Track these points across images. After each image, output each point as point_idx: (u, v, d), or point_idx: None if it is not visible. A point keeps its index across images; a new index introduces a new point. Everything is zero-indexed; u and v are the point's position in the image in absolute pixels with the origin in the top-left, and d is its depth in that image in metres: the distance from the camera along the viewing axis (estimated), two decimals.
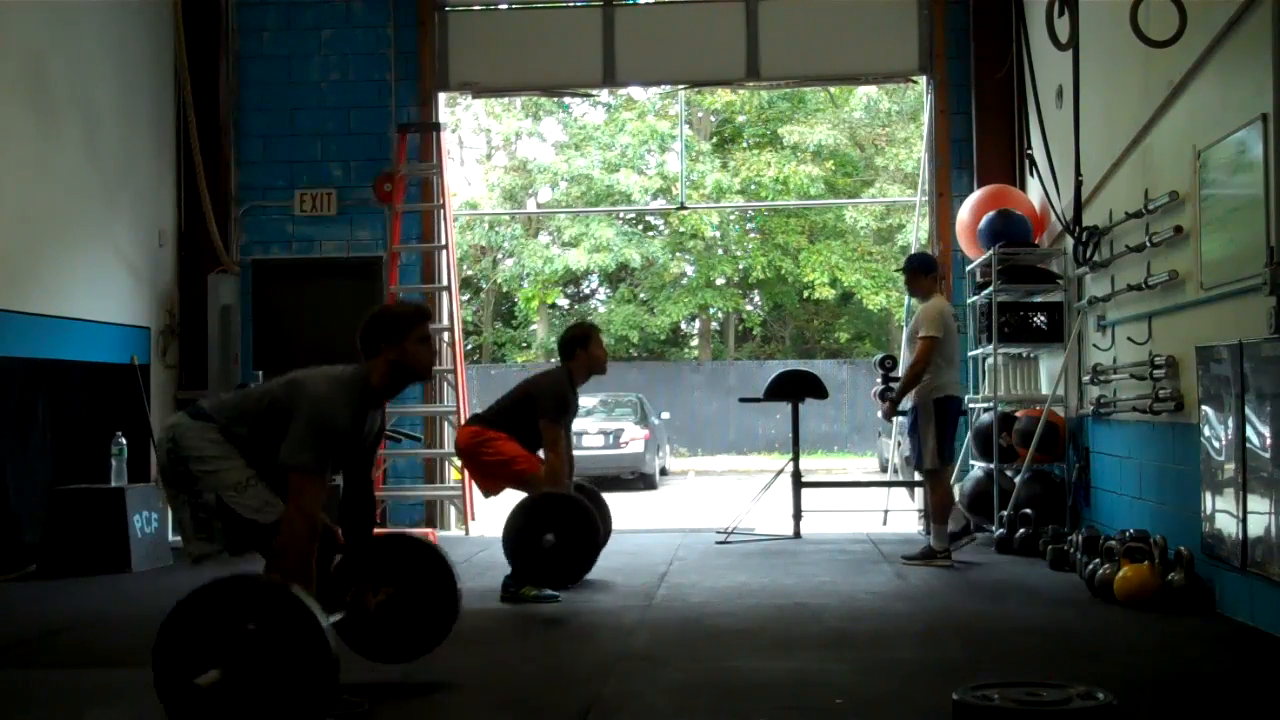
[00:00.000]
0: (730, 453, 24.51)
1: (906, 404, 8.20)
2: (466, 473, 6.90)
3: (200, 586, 3.55)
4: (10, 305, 7.52)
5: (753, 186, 23.79)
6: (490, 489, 6.70)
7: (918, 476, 8.05)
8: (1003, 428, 8.28)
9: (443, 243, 9.78)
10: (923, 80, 9.86)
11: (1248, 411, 5.05)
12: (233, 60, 9.86)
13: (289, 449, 3.77)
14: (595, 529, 6.21)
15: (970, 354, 9.14)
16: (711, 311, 27.34)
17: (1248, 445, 5.06)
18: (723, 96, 23.57)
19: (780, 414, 22.53)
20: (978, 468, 8.65)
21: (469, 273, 25.89)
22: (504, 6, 10.42)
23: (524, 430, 6.38)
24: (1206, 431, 5.57)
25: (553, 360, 27.18)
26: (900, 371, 8.37)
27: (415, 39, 9.83)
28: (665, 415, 21.02)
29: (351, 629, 4.19)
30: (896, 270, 8.28)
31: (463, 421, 9.52)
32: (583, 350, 6.54)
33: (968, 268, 9.19)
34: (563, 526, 6.05)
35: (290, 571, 3.70)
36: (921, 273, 7.65)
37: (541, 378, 6.73)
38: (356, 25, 9.87)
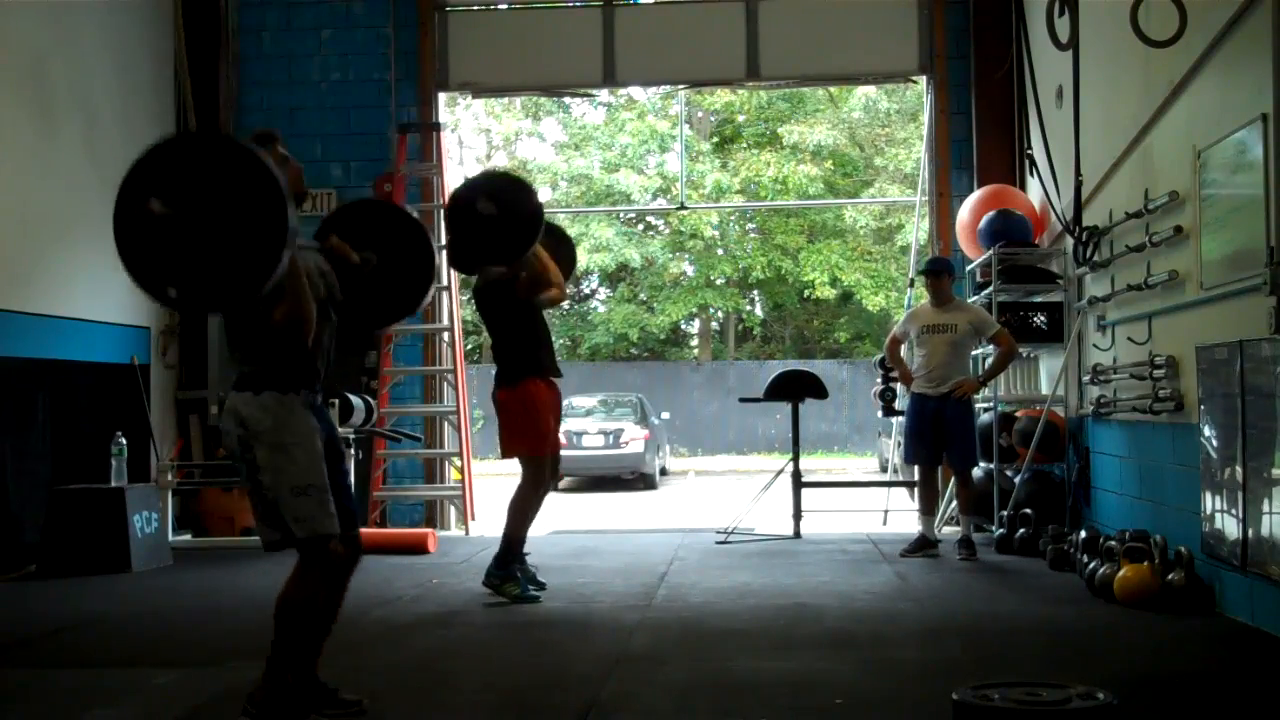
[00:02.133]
0: (730, 453, 24.51)
1: (903, 404, 8.23)
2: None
3: (165, 139, 3.63)
4: (10, 305, 7.52)
5: (752, 186, 23.80)
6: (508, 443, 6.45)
7: (907, 475, 8.04)
8: (1003, 428, 8.28)
9: (443, 243, 9.77)
10: (923, 80, 9.86)
11: (1248, 411, 5.05)
12: (233, 60, 9.86)
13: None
14: (532, 198, 5.99)
15: (971, 354, 9.13)
16: (711, 311, 27.35)
17: (1248, 445, 5.06)
18: (722, 96, 23.57)
19: (780, 414, 22.53)
20: (978, 468, 8.65)
21: None
22: (504, 6, 10.42)
23: (520, 337, 6.27)
24: (1206, 431, 5.57)
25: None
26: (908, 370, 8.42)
27: (415, 39, 9.83)
28: (665, 415, 21.03)
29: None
30: (919, 272, 8.30)
31: (464, 420, 9.58)
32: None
33: (968, 268, 9.19)
34: (500, 198, 5.85)
35: None
36: (949, 275, 7.90)
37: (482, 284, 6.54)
38: (356, 25, 9.86)
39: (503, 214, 5.79)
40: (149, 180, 3.38)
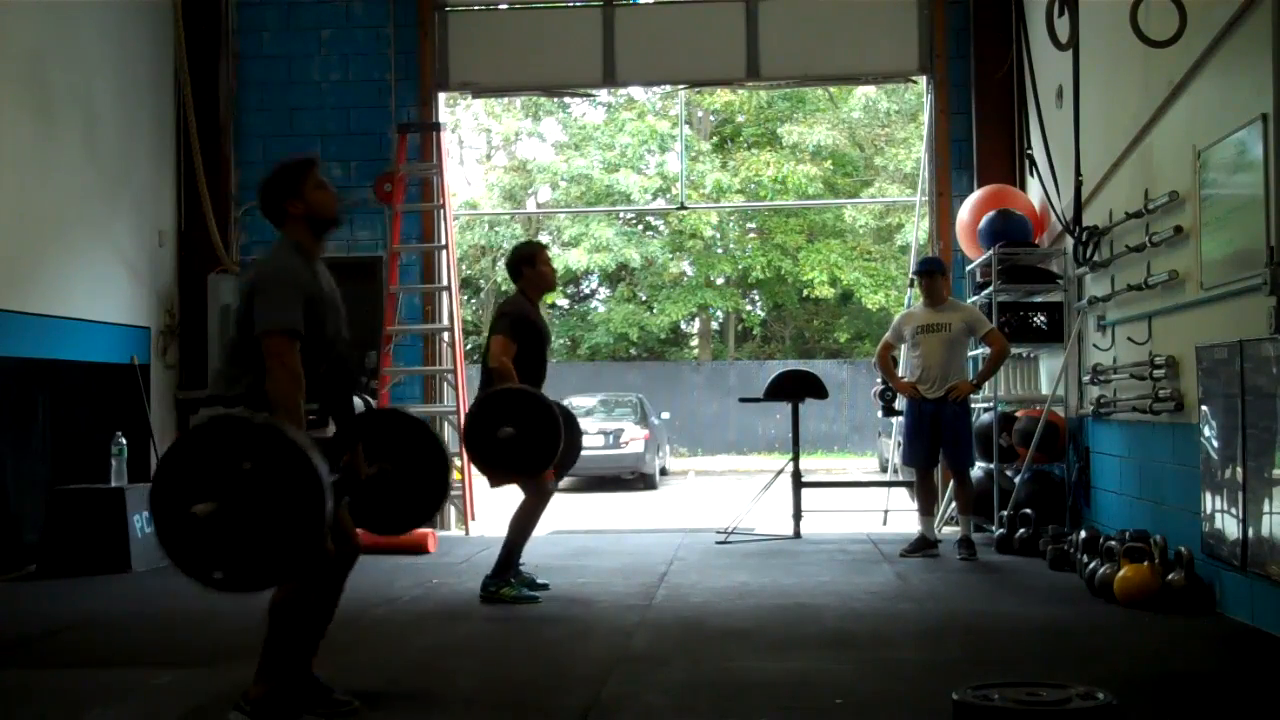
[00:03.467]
0: (730, 453, 24.51)
1: (902, 405, 8.23)
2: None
3: (199, 425, 3.68)
4: (10, 305, 7.52)
5: (752, 186, 23.80)
6: (496, 479, 6.57)
7: (906, 475, 8.04)
8: (1003, 428, 8.28)
9: (443, 243, 9.78)
10: (923, 80, 9.85)
11: (1248, 411, 5.05)
12: (233, 60, 9.86)
13: (260, 319, 3.69)
14: (554, 419, 6.03)
15: (971, 354, 9.13)
16: (711, 311, 27.34)
17: (1248, 445, 5.06)
18: (722, 96, 23.57)
19: (780, 414, 22.53)
20: (978, 468, 8.65)
21: (469, 273, 25.89)
22: (504, 6, 10.41)
23: (521, 369, 6.27)
24: (1206, 431, 5.56)
25: (554, 360, 27.22)
26: (906, 371, 8.42)
27: (415, 39, 9.83)
28: (665, 415, 21.02)
29: (343, 491, 4.10)
30: (916, 273, 8.31)
31: (463, 418, 9.54)
32: (530, 268, 6.46)
33: (968, 268, 9.19)
34: (520, 419, 5.94)
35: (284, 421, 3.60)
36: (943, 275, 7.94)
37: (501, 303, 6.66)
38: (356, 25, 9.86)
39: (521, 434, 5.92)
40: (190, 484, 3.43)
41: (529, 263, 6.47)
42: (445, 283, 9.74)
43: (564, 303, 28.74)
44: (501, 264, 25.74)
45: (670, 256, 25.36)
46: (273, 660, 3.77)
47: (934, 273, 7.89)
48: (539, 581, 6.44)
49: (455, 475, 10.00)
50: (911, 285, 9.81)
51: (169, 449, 3.56)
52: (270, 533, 3.38)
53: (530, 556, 7.37)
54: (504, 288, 26.85)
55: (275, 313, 3.69)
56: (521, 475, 6.15)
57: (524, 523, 6.30)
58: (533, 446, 5.97)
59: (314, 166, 3.98)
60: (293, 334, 3.70)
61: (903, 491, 9.82)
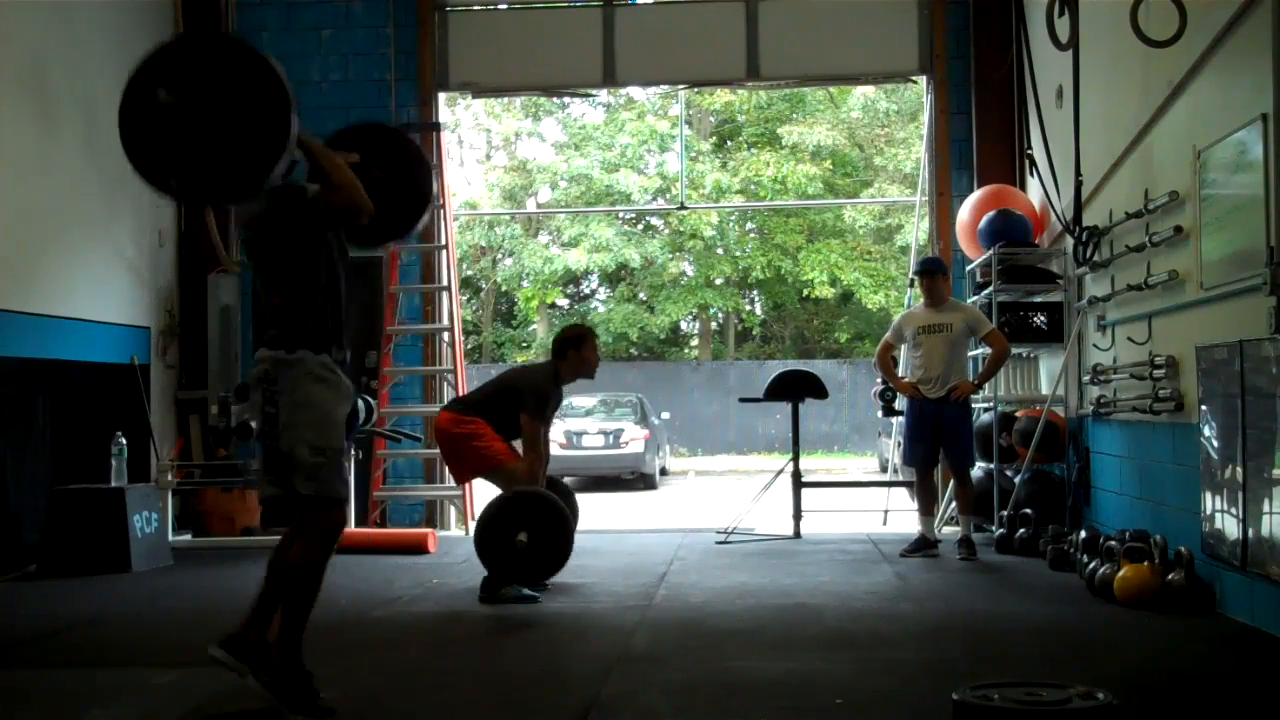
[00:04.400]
0: (730, 453, 24.51)
1: (902, 405, 8.23)
2: (441, 456, 6.97)
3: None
4: (10, 305, 7.52)
5: (752, 186, 23.80)
6: (463, 475, 6.79)
7: (906, 475, 8.04)
8: (1003, 428, 8.28)
9: (443, 242, 9.78)
10: (923, 80, 9.86)
11: (1248, 411, 5.05)
12: None
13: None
14: (568, 527, 6.25)
15: (971, 354, 9.14)
16: (711, 311, 27.34)
17: (1247, 445, 5.06)
18: (722, 96, 23.57)
19: (780, 414, 22.52)
20: (978, 468, 8.65)
21: (469, 273, 25.90)
22: (504, 6, 10.42)
23: (503, 420, 6.40)
24: (1206, 431, 5.57)
25: None
26: (907, 370, 8.42)
27: (415, 39, 9.83)
28: (665, 415, 21.03)
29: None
30: (917, 273, 8.31)
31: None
32: (575, 351, 6.56)
33: (968, 268, 9.19)
34: (536, 525, 6.13)
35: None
36: (944, 275, 7.94)
37: (528, 371, 6.76)
38: (356, 25, 9.86)
39: (535, 541, 6.18)
40: (157, 73, 3.45)
41: (576, 345, 6.58)
42: (445, 283, 9.74)
43: (564, 303, 28.74)
44: (502, 264, 25.79)
45: (670, 256, 25.37)
46: (293, 624, 3.80)
47: (934, 273, 7.89)
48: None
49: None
50: (912, 285, 9.82)
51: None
52: (230, 145, 3.39)
53: None
54: (504, 287, 26.90)
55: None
56: (529, 581, 6.26)
57: None
58: (546, 552, 6.23)
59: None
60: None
61: (903, 491, 9.82)
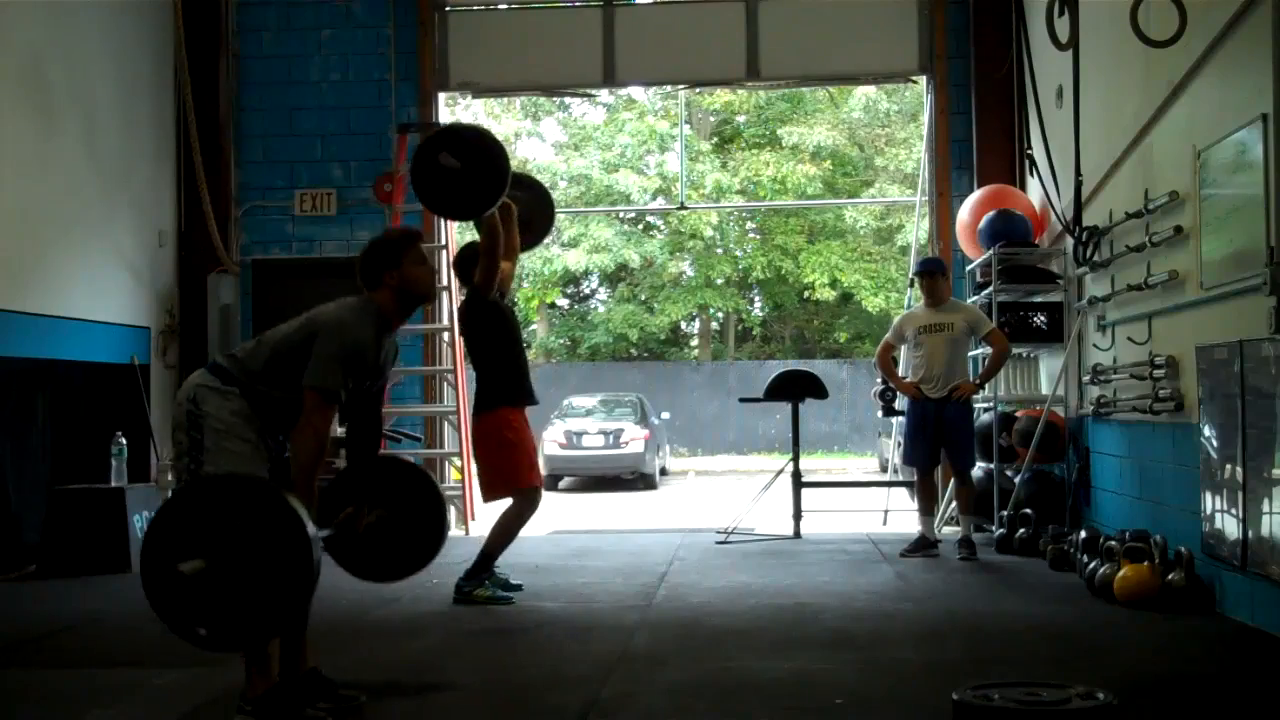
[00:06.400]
0: (730, 453, 24.51)
1: (902, 404, 8.23)
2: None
3: (191, 483, 3.76)
4: (10, 305, 7.51)
5: (752, 186, 23.80)
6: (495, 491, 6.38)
7: (907, 475, 8.04)
8: (1003, 428, 8.28)
9: (443, 243, 9.78)
10: (923, 80, 9.86)
11: (1248, 411, 5.05)
12: (233, 60, 9.86)
13: (314, 372, 3.80)
14: (503, 162, 5.82)
15: (971, 354, 9.14)
16: (711, 311, 27.34)
17: (1247, 445, 5.06)
18: (722, 96, 23.56)
19: (780, 414, 22.52)
20: (978, 468, 8.65)
21: None
22: (504, 6, 10.42)
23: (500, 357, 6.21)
24: (1206, 431, 5.57)
25: (554, 360, 27.22)
26: (907, 371, 8.42)
27: (415, 39, 9.83)
28: (665, 415, 21.02)
29: (340, 546, 4.13)
30: (917, 273, 8.31)
31: (464, 420, 9.54)
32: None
33: (968, 268, 9.19)
34: (469, 155, 5.75)
35: (295, 484, 3.73)
36: (944, 275, 7.96)
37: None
38: (356, 25, 9.86)
39: (467, 169, 5.72)
40: (175, 539, 3.49)
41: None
42: (445, 283, 9.74)
43: (564, 303, 28.74)
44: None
45: (670, 257, 25.37)
46: (260, 652, 3.79)
47: (935, 273, 7.89)
48: (513, 582, 6.39)
49: (454, 475, 10.04)
50: (912, 285, 9.82)
51: (166, 502, 3.64)
52: (256, 593, 3.41)
53: (531, 556, 7.40)
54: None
55: (324, 374, 3.81)
56: (463, 214, 6.14)
57: (508, 528, 6.26)
58: (478, 182, 5.75)
59: (418, 240, 4.15)
60: (332, 399, 3.82)
61: (903, 491, 9.82)
